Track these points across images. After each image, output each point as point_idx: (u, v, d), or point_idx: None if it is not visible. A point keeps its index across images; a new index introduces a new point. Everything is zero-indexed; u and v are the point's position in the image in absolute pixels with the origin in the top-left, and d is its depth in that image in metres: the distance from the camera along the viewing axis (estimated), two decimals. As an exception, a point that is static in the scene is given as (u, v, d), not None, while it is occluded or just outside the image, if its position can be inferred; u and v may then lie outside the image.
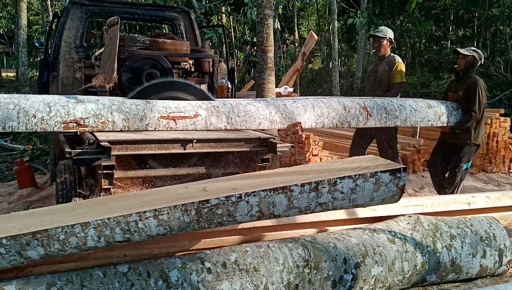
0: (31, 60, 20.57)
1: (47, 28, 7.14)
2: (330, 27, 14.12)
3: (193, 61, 4.28)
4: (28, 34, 15.20)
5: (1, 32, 25.44)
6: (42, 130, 2.96)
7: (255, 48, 8.86)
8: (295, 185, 2.09)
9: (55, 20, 4.95)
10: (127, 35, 4.37)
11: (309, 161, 5.75)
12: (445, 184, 4.51)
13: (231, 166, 3.41)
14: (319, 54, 21.33)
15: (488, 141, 6.38)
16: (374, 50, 4.78)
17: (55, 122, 2.94)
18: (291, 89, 7.99)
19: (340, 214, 2.72)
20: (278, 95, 6.92)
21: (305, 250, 2.37)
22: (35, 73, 16.19)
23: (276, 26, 11.13)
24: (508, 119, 6.69)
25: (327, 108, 3.73)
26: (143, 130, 3.19)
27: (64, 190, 3.20)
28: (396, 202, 2.30)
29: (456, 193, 4.35)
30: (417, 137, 6.69)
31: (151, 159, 3.23)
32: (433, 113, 4.17)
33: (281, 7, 14.55)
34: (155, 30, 4.68)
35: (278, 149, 3.25)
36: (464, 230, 2.78)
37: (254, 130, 3.68)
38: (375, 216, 2.80)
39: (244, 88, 11.46)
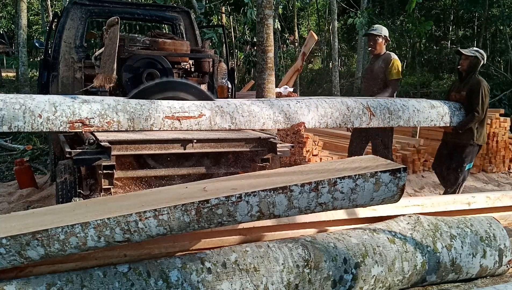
0: (31, 60, 20.57)
1: (47, 28, 7.14)
2: (330, 27, 14.12)
3: (193, 61, 4.28)
4: (28, 34, 15.21)
5: (1, 32, 25.44)
6: (48, 130, 2.96)
7: (255, 48, 8.86)
8: (295, 185, 2.09)
9: (55, 20, 4.96)
10: (127, 35, 4.37)
11: (309, 161, 5.75)
12: (448, 183, 4.52)
13: (231, 166, 3.41)
14: (319, 54, 21.34)
15: (488, 141, 6.38)
16: (369, 49, 4.78)
17: (60, 122, 2.94)
18: (291, 89, 7.99)
19: (340, 214, 2.72)
20: (278, 95, 6.93)
21: (305, 250, 2.37)
22: (35, 73, 16.21)
23: (276, 26, 11.13)
24: (508, 119, 6.69)
25: (330, 108, 3.73)
26: (148, 130, 3.20)
27: (64, 190, 3.20)
28: (396, 202, 2.30)
29: (458, 193, 4.35)
30: (417, 137, 6.70)
31: (151, 159, 3.23)
32: (436, 113, 4.17)
33: (281, 7, 14.56)
34: (155, 30, 4.68)
35: (278, 149, 3.25)
36: (464, 230, 2.78)
37: (253, 130, 3.68)
38: (375, 216, 2.80)
39: (244, 88, 11.46)
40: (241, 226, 2.46)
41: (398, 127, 4.38)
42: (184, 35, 5.06)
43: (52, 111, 2.91)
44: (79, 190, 3.23)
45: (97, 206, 2.31)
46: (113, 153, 2.89)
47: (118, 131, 3.19)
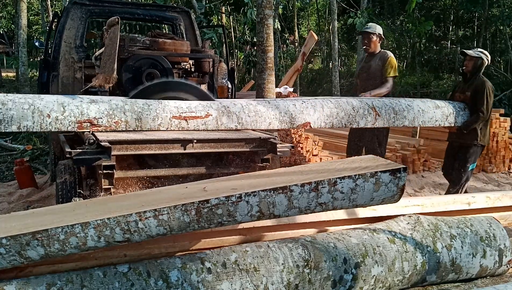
0: (31, 60, 20.57)
1: (47, 28, 7.15)
2: (330, 27, 14.12)
3: (193, 61, 4.28)
4: (28, 34, 15.20)
5: (1, 32, 25.43)
6: (57, 130, 2.96)
7: (255, 48, 8.86)
8: (295, 185, 2.09)
9: (55, 20, 4.96)
10: (127, 35, 4.37)
11: (309, 161, 5.76)
12: (450, 183, 4.53)
13: (231, 166, 3.41)
14: (319, 54, 21.34)
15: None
16: (364, 47, 4.76)
17: (69, 121, 2.94)
18: (291, 89, 7.97)
19: (340, 214, 2.72)
20: (278, 95, 6.92)
21: (305, 250, 2.37)
22: (35, 73, 16.20)
23: (276, 26, 11.13)
24: (508, 119, 6.69)
25: (336, 108, 3.73)
26: (155, 130, 3.20)
27: (64, 190, 3.20)
28: (396, 202, 2.30)
29: (460, 193, 4.35)
30: (417, 137, 6.70)
31: (151, 159, 3.23)
32: (440, 113, 4.17)
33: (281, 7, 14.56)
34: (155, 30, 4.68)
35: (278, 149, 3.25)
36: (464, 230, 2.78)
37: (254, 130, 3.68)
38: (375, 216, 2.80)
39: (244, 88, 11.46)
40: (241, 226, 2.46)
41: (398, 127, 4.38)
42: (184, 35, 5.06)
43: (61, 111, 2.91)
44: (79, 190, 3.23)
45: (97, 206, 2.31)
46: (113, 153, 2.89)
47: (119, 131, 3.19)
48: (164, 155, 3.20)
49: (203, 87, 4.07)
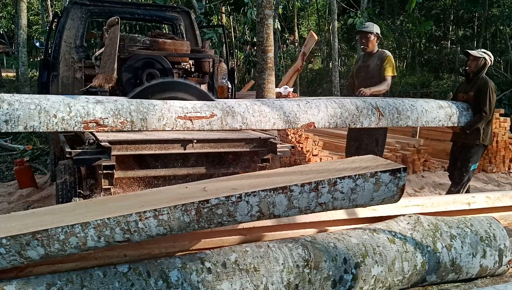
0: (31, 60, 20.57)
1: (47, 28, 7.15)
2: (330, 27, 14.12)
3: (193, 61, 4.29)
4: (28, 34, 15.20)
5: (1, 32, 25.44)
6: (63, 130, 2.96)
7: (255, 48, 8.86)
8: (295, 185, 2.09)
9: (55, 20, 4.96)
10: (127, 35, 4.37)
11: (309, 161, 5.76)
12: (452, 183, 4.53)
13: (231, 166, 3.42)
14: (319, 54, 21.35)
15: (489, 141, 6.39)
16: (362, 46, 4.75)
17: (75, 122, 2.94)
18: (291, 89, 7.98)
19: (340, 214, 2.71)
20: (278, 95, 6.92)
21: (305, 250, 2.37)
22: (35, 73, 16.21)
23: (276, 26, 11.14)
24: (508, 119, 6.69)
25: (340, 109, 3.73)
26: (160, 130, 3.20)
27: (64, 190, 3.20)
28: (396, 202, 2.30)
29: (462, 192, 4.36)
30: (417, 137, 6.70)
31: (151, 159, 3.23)
32: (444, 113, 4.18)
33: (281, 7, 14.56)
34: (155, 30, 4.69)
35: (278, 149, 3.26)
36: (464, 230, 2.78)
37: (254, 130, 3.69)
38: (375, 216, 2.80)
39: (244, 88, 11.46)
40: (241, 226, 2.46)
41: (398, 127, 4.38)
42: (184, 35, 5.06)
43: (67, 111, 2.91)
44: (79, 190, 3.23)
45: (97, 206, 2.31)
46: (113, 153, 2.89)
47: (119, 131, 3.20)
48: (164, 155, 3.20)
49: (203, 87, 4.07)
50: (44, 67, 4.60)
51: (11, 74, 19.88)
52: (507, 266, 2.88)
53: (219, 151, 3.29)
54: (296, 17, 17.40)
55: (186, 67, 4.26)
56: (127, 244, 2.09)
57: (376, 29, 4.61)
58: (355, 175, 2.14)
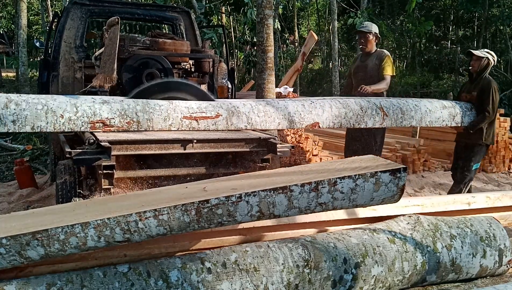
0: (31, 60, 20.57)
1: (47, 28, 7.15)
2: (330, 27, 14.11)
3: (193, 61, 4.29)
4: (28, 34, 15.19)
5: (1, 32, 25.45)
6: (70, 130, 2.96)
7: (255, 48, 8.86)
8: (295, 185, 2.09)
9: (55, 20, 4.96)
10: (127, 35, 4.38)
11: (309, 161, 5.76)
12: (454, 182, 4.53)
13: (231, 166, 3.42)
14: (319, 54, 21.35)
15: (490, 141, 6.40)
16: (360, 46, 4.75)
17: (82, 122, 2.94)
18: (291, 89, 7.97)
19: (340, 214, 2.72)
20: (278, 95, 6.92)
21: (305, 250, 2.37)
22: (35, 73, 16.21)
23: (276, 26, 11.13)
24: (508, 119, 6.69)
25: (344, 109, 3.74)
26: (166, 130, 3.21)
27: (64, 190, 3.20)
28: (396, 202, 2.30)
29: (463, 192, 4.36)
30: (417, 137, 6.70)
31: (151, 159, 3.23)
32: (447, 113, 4.18)
33: (281, 7, 14.56)
34: (155, 30, 4.69)
35: (278, 149, 3.26)
36: (464, 230, 2.78)
37: (254, 130, 3.69)
38: (375, 216, 2.80)
39: (244, 88, 11.45)
40: (241, 226, 2.46)
41: (398, 127, 4.38)
42: (184, 35, 5.07)
43: (74, 111, 2.92)
44: (79, 190, 3.23)
45: (97, 206, 2.31)
46: (113, 153, 2.89)
47: (119, 131, 3.20)
48: (164, 155, 3.20)
49: (203, 87, 4.07)
50: (44, 67, 4.60)
51: (11, 74, 19.88)
52: (507, 266, 2.89)
53: (219, 151, 3.29)
54: (296, 17, 17.39)
55: (186, 67, 4.26)
56: (127, 244, 2.09)
57: (374, 28, 4.61)
58: (355, 175, 2.14)
